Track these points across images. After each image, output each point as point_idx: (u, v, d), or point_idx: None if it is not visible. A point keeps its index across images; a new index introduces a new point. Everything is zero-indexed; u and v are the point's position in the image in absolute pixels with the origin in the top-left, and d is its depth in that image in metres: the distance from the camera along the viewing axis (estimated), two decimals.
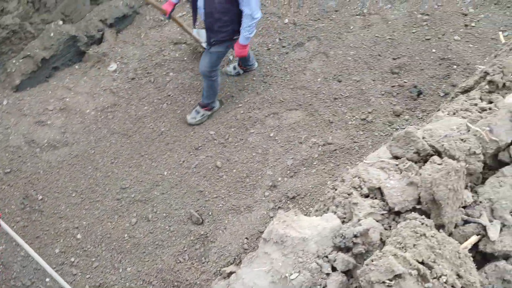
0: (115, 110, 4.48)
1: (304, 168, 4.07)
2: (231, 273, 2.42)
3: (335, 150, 4.13)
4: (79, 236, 3.74)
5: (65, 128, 4.32)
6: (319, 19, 5.04)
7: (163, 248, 3.70)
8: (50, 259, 3.58)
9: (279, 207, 3.87)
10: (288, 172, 4.06)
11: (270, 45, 4.89)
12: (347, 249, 1.96)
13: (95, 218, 3.84)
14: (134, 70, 4.73)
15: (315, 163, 4.10)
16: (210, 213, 3.88)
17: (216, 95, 4.42)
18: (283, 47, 4.87)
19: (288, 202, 3.94)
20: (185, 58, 4.83)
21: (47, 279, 3.52)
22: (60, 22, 4.47)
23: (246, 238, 3.72)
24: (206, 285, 3.50)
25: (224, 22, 3.81)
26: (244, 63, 4.65)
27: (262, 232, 3.68)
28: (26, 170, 4.09)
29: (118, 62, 4.76)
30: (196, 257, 3.67)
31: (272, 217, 3.82)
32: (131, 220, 3.83)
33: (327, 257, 1.98)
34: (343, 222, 2.14)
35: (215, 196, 3.97)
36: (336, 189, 2.38)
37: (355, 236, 1.90)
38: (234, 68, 4.73)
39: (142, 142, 4.29)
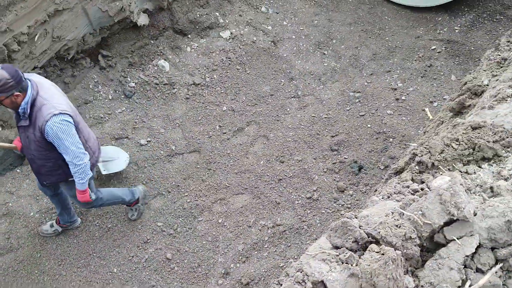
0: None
1: (256, 252, 4.71)
2: None
3: (285, 231, 4.81)
4: None
5: (9, 233, 4.81)
6: (256, 104, 5.95)
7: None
8: None
9: None
10: (240, 257, 4.67)
11: (211, 132, 5.70)
12: None
13: None
14: None
15: (266, 246, 4.76)
16: None
17: (122, 198, 4.67)
18: (224, 133, 5.69)
19: None
20: (128, 152, 5.54)
21: None
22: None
23: None
24: None
25: (50, 167, 3.98)
26: (63, 219, 4.74)
27: None
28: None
29: None
30: None
31: None
32: None
33: None
34: None
35: None
36: (281, 284, 2.75)
37: None
38: (52, 225, 4.81)
39: (89, 240, 4.79)
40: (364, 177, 5.17)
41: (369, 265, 2.11)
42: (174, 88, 6.06)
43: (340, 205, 4.99)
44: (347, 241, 2.40)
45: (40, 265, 4.60)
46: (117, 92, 5.92)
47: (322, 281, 2.27)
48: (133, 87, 6.01)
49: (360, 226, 2.44)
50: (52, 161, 3.93)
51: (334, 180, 5.17)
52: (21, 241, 4.65)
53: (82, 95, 5.72)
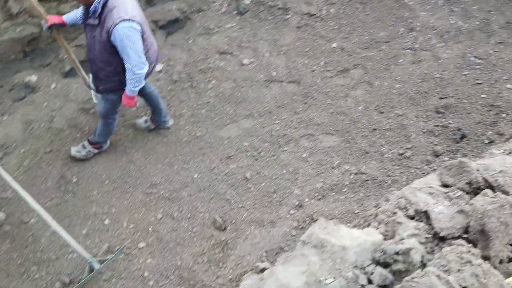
0: None
1: (333, 193, 4.72)
2: (264, 269, 2.91)
3: (367, 180, 4.76)
4: (106, 221, 4.48)
5: None
6: (367, 47, 5.77)
7: (184, 247, 4.39)
8: (77, 239, 4.34)
9: (302, 227, 4.52)
10: (316, 194, 4.70)
11: (314, 67, 5.63)
12: (385, 265, 2.22)
13: (124, 207, 4.57)
14: (178, 73, 5.54)
15: (344, 190, 4.75)
16: (233, 222, 4.56)
17: (108, 137, 4.87)
18: (328, 70, 5.60)
19: (312, 224, 4.58)
20: (229, 69, 5.62)
21: (72, 255, 4.26)
22: None
23: (266, 251, 4.36)
24: (219, 286, 4.16)
25: (109, 72, 4.09)
26: (156, 118, 4.99)
27: (282, 248, 4.35)
28: (65, 152, 4.91)
29: (164, 64, 5.58)
30: (214, 260, 4.34)
31: (294, 235, 4.46)
32: (157, 215, 4.55)
33: (364, 268, 2.27)
34: (384, 239, 2.42)
35: (240, 206, 4.65)
36: (379, 208, 2.82)
37: (397, 253, 2.18)
38: (146, 121, 5.10)
39: (177, 143, 5.04)
40: (465, 147, 4.92)
41: (482, 206, 2.07)
42: (287, 14, 5.99)
43: (431, 169, 4.79)
44: (460, 181, 2.36)
45: (129, 155, 4.91)
46: (230, 6, 5.97)
47: (426, 212, 2.26)
48: (248, 5, 6.02)
49: (477, 170, 2.37)
50: (113, 66, 4.04)
51: (432, 143, 4.97)
52: (115, 129, 4.91)
53: (197, 2, 5.79)
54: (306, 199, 4.66)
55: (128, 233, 4.44)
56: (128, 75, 3.96)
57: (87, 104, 5.19)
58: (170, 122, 5.12)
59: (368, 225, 2.64)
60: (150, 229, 4.46)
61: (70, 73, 5.34)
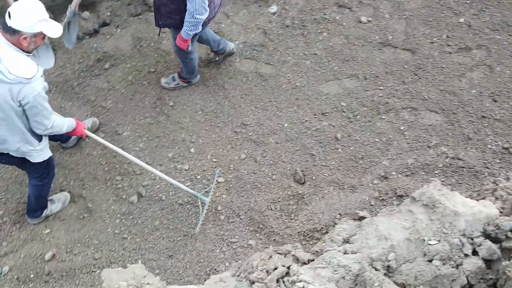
0: (260, 49, 5.28)
1: (423, 173, 4.55)
2: (362, 217, 2.96)
3: (463, 167, 4.53)
4: (192, 150, 4.66)
5: None
6: (497, 29, 5.34)
7: (260, 191, 4.47)
8: (162, 160, 4.56)
9: (383, 199, 4.43)
10: (405, 170, 4.56)
11: (435, 39, 5.32)
12: (495, 240, 2.25)
13: (211, 140, 4.74)
14: (292, 18, 5.47)
15: (436, 172, 4.56)
16: (313, 178, 4.55)
17: (193, 73, 4.93)
18: (448, 45, 5.27)
19: (394, 198, 4.46)
20: (344, 23, 5.45)
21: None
22: None
23: (340, 214, 4.35)
24: (287, 237, 4.22)
25: (171, 10, 4.12)
26: (214, 48, 5.01)
27: (357, 214, 4.29)
28: (166, 74, 5.11)
29: (279, 6, 5.54)
30: (286, 211, 4.39)
31: (372, 205, 4.39)
32: (241, 155, 4.65)
33: (472, 239, 2.28)
34: (499, 214, 2.39)
35: (324, 164, 4.62)
36: (497, 184, 2.65)
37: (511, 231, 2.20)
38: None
39: (275, 89, 5.06)
40: None
41: None
42: None
43: None
44: None
45: (226, 91, 5.08)
46: None
47: None
48: None
49: None
50: (176, 3, 4.05)
51: None
52: (203, 64, 5.10)
53: None
54: (393, 173, 4.55)
55: (210, 165, 4.59)
56: (187, 17, 4.00)
57: None
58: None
59: (483, 199, 2.60)
60: (231, 166, 4.58)
61: None
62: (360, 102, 4.98)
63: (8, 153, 3.51)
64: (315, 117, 4.91)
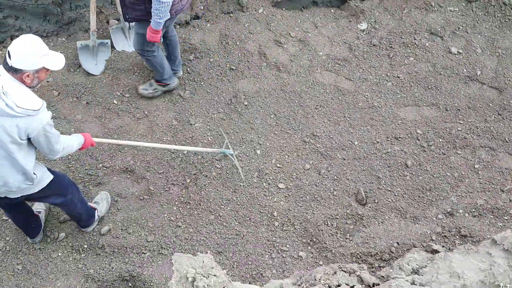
0: (343, 64, 5.22)
1: (492, 216, 4.33)
2: (436, 251, 2.90)
3: None
4: (258, 151, 4.66)
5: (295, 58, 5.24)
6: None
7: (319, 204, 4.40)
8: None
9: (445, 236, 4.25)
10: (473, 210, 4.36)
11: None
12: None
13: (278, 145, 4.72)
14: (380, 38, 5.38)
15: (506, 217, 4.33)
16: (376, 201, 4.43)
17: (165, 72, 4.76)
18: None
19: (457, 237, 4.27)
20: (433, 51, 5.29)
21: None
22: None
23: (397, 243, 4.20)
24: (339, 256, 4.12)
25: (135, 0, 4.08)
26: (170, 64, 4.87)
27: (415, 246, 4.14)
28: (246, 74, 5.16)
29: (369, 24, 5.45)
30: (343, 229, 4.30)
31: (433, 240, 4.22)
32: (305, 165, 4.60)
33: None
34: None
35: (389, 189, 4.49)
36: None
37: None
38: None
39: (351, 105, 4.98)
40: None
41: None
42: None
43: None
44: None
45: (302, 99, 5.08)
46: None
47: None
48: None
49: None
50: None
51: None
52: (299, 70, 5.00)
53: None
54: (461, 210, 4.37)
55: (273, 170, 4.58)
56: (153, 3, 3.93)
57: (282, 38, 5.32)
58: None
59: None
60: (294, 175, 4.55)
61: (280, 4, 5.52)
62: (437, 133, 4.81)
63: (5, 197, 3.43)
64: (388, 140, 4.78)
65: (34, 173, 3.33)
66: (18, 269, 4.11)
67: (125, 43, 5.26)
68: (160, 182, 4.53)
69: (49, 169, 3.56)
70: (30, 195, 3.47)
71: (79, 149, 3.63)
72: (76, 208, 3.94)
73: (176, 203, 4.43)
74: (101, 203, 4.30)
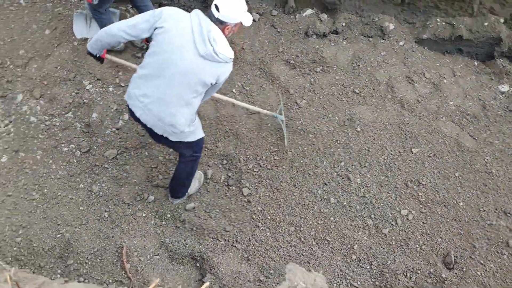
0: (471, 120, 4.95)
1: None
2: None
3: None
4: (358, 181, 4.58)
5: (422, 99, 5.05)
6: None
7: (403, 253, 4.24)
8: (325, 168, 4.56)
9: None
10: None
11: None
12: None
13: (378, 181, 4.60)
14: None
15: None
16: (464, 269, 4.19)
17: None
18: None
19: None
20: None
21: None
22: (501, 20, 5.14)
23: None
24: None
25: None
26: None
27: None
28: (368, 101, 5.07)
29: (511, 88, 5.14)
30: (420, 286, 4.09)
31: None
32: (401, 210, 4.45)
33: None
34: None
35: (481, 262, 4.26)
36: None
37: None
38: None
39: (467, 164, 4.70)
40: None
41: None
42: None
43: None
44: None
45: (418, 143, 4.77)
46: None
47: None
48: None
49: None
50: None
51: None
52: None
53: None
54: None
55: (365, 204, 4.44)
56: None
57: (414, 75, 5.17)
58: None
59: None
60: (385, 215, 4.39)
61: (424, 42, 5.37)
62: None
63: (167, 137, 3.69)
64: (495, 212, 4.48)
65: (195, 122, 3.77)
66: (105, 216, 4.34)
67: (85, 31, 5.30)
68: (254, 180, 4.57)
69: None
70: (176, 143, 3.79)
71: None
72: (194, 167, 4.17)
73: (262, 204, 4.45)
74: (193, 181, 4.43)
